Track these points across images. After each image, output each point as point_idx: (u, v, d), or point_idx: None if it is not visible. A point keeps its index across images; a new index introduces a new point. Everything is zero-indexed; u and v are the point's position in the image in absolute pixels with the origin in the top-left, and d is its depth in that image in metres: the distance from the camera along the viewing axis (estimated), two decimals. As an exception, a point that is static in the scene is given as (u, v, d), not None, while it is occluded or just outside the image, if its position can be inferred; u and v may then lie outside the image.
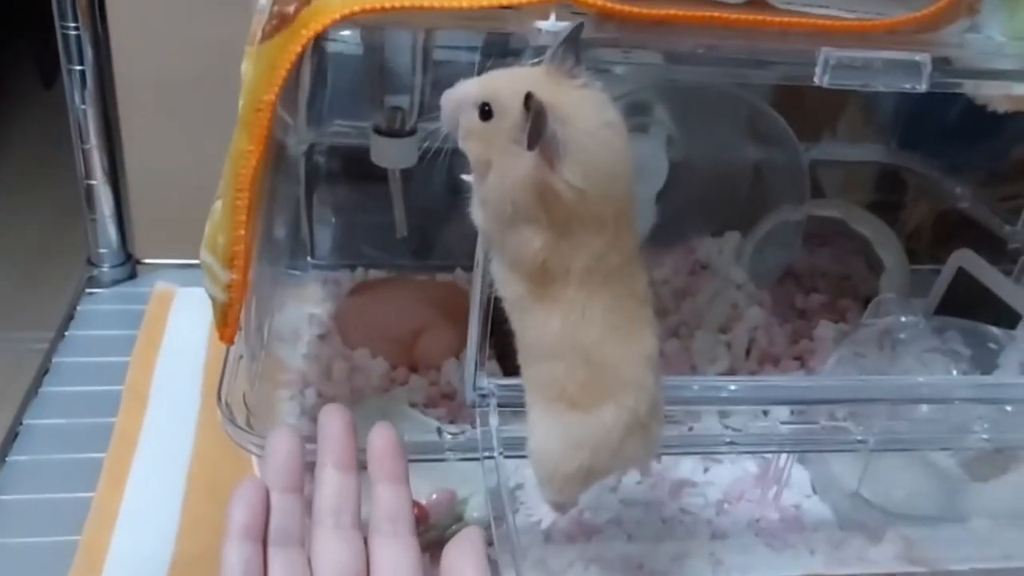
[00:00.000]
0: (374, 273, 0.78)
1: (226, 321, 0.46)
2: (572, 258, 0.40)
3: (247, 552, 0.38)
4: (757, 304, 0.72)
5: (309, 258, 0.80)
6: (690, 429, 0.49)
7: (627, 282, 0.42)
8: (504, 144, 0.39)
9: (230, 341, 0.47)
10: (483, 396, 0.47)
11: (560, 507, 0.47)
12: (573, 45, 0.39)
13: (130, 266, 0.83)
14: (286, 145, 0.61)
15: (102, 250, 0.82)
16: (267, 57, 0.40)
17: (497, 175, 0.39)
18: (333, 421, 0.42)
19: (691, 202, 0.75)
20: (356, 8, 0.38)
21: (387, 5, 0.38)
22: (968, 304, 0.67)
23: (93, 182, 0.79)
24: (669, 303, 0.74)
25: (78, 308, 0.78)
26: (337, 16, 0.38)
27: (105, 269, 0.82)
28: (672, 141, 0.73)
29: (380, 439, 0.42)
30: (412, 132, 0.64)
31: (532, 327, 0.42)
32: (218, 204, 0.45)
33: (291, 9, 0.39)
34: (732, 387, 0.48)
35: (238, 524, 0.39)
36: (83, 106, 0.77)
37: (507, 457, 0.46)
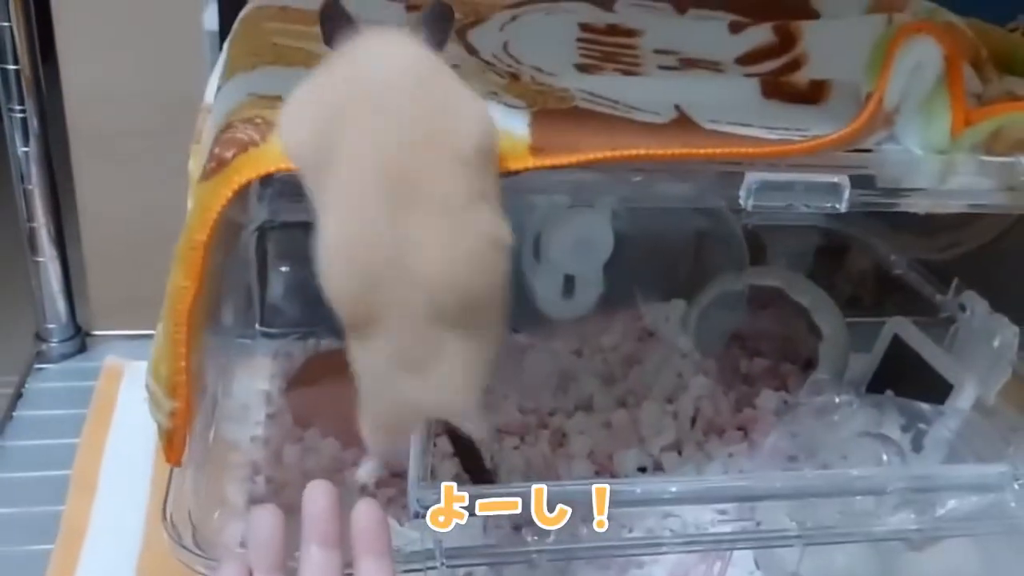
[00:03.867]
0: (326, 343, 0.77)
1: (172, 446, 0.46)
2: None
3: None
4: (702, 373, 0.74)
5: (258, 326, 0.79)
6: (630, 531, 0.51)
7: None
8: None
9: (177, 464, 0.47)
10: (426, 508, 0.48)
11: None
12: (440, 25, 0.40)
13: (79, 340, 0.82)
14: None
15: (50, 325, 0.81)
16: (202, 198, 0.41)
17: None
18: (318, 499, 0.43)
19: (637, 271, 0.76)
20: (292, 165, 0.39)
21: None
22: (904, 371, 0.70)
23: (40, 259, 0.78)
24: (617, 370, 0.75)
25: (27, 386, 0.77)
26: (272, 168, 0.39)
27: (54, 344, 0.81)
28: (616, 214, 0.74)
29: (365, 516, 0.43)
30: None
31: None
32: (160, 328, 0.46)
33: (229, 155, 0.40)
34: (673, 488, 0.49)
35: None
36: (25, 151, 0.74)
37: (450, 568, 0.47)
